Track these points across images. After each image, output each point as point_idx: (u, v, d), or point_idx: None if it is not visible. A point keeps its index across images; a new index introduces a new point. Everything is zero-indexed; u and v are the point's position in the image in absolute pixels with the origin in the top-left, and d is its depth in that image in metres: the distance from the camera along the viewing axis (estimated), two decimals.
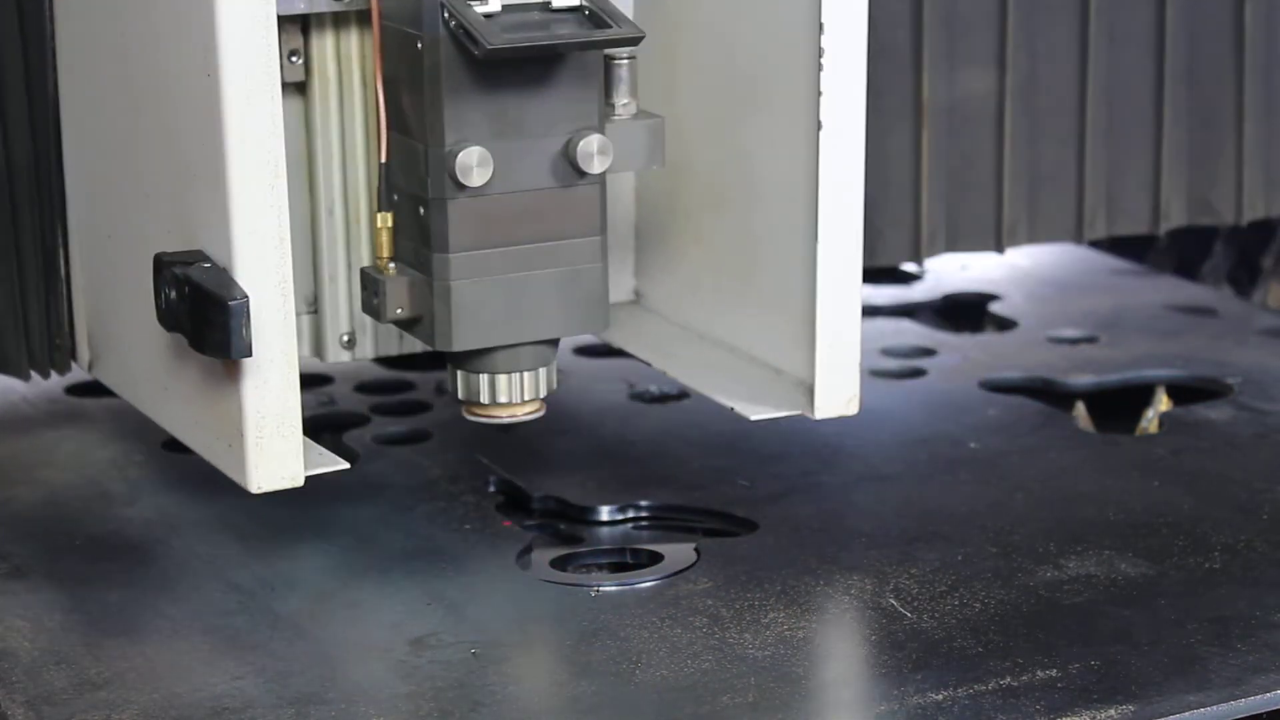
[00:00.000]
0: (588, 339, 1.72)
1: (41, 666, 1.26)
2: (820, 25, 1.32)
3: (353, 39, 1.40)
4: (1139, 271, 2.09)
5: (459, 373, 1.37)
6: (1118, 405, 1.74)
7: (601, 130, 1.33)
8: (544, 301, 1.34)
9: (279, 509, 1.49)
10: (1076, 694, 1.22)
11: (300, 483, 1.28)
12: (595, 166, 1.32)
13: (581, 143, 1.32)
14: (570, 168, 1.32)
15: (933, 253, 1.76)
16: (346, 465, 1.31)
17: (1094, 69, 1.79)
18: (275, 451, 1.26)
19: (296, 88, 1.40)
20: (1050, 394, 1.74)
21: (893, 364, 1.79)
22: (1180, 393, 1.74)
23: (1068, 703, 1.21)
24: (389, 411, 1.67)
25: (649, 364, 1.49)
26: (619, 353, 1.53)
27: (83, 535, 1.44)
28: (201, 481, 1.53)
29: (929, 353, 1.82)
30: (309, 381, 1.73)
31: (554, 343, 1.37)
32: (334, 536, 1.45)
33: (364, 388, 1.72)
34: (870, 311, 1.93)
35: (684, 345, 1.50)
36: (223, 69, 1.20)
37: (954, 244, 1.77)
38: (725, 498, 1.50)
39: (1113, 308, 1.93)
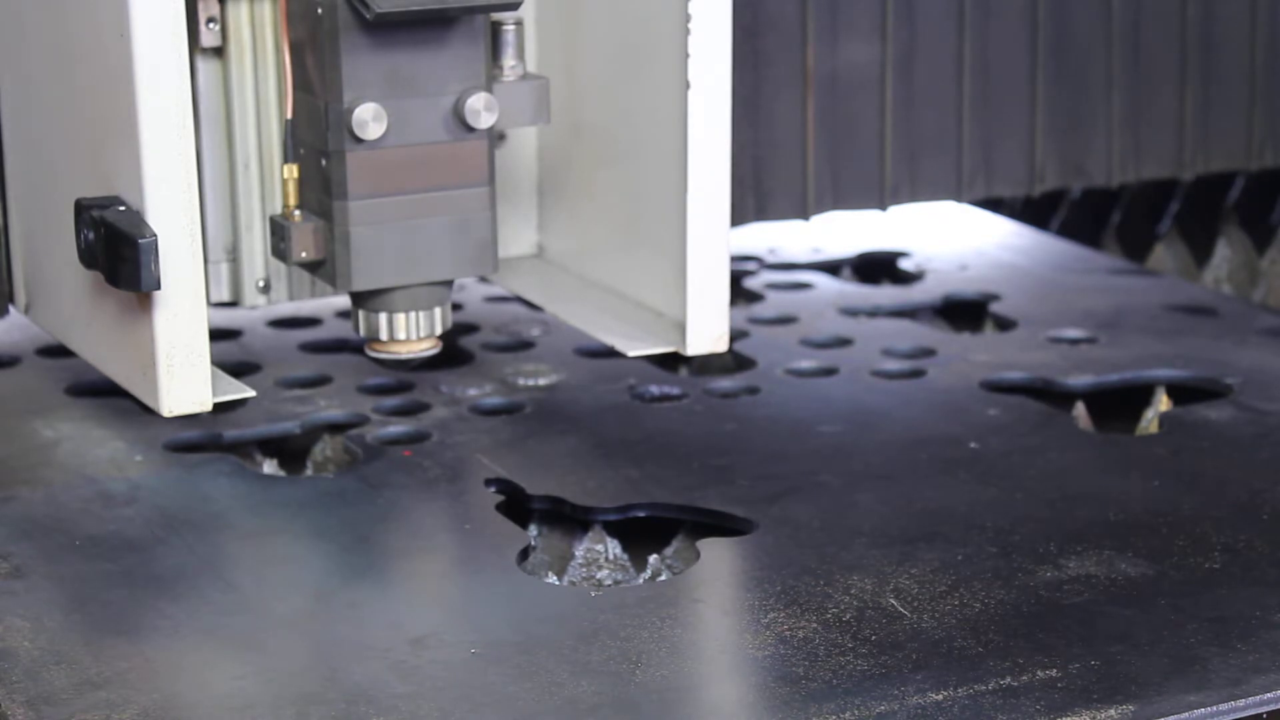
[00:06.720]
0: (591, 343, 1.71)
1: (41, 666, 1.26)
2: None
3: (265, 7, 1.52)
4: (1139, 271, 2.09)
5: (360, 312, 1.48)
6: (1118, 405, 1.74)
7: (489, 89, 1.44)
8: (436, 246, 1.46)
9: (278, 509, 1.49)
10: (1076, 694, 1.22)
11: (209, 407, 1.38)
12: (482, 122, 1.44)
13: (470, 99, 1.43)
14: (459, 123, 1.44)
15: (820, 210, 1.89)
16: (252, 393, 1.42)
17: (970, 40, 1.90)
18: (185, 378, 1.37)
19: (215, 52, 1.53)
20: (1050, 394, 1.73)
21: (893, 364, 1.79)
22: (1180, 393, 1.74)
23: (1068, 703, 1.21)
24: (389, 411, 1.67)
25: (544, 309, 1.61)
26: (617, 354, 1.55)
27: (83, 535, 1.44)
28: (201, 481, 1.53)
29: (929, 353, 1.82)
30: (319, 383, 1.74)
31: (448, 284, 1.48)
32: (334, 536, 1.45)
33: (364, 388, 1.72)
34: (871, 312, 1.93)
35: (578, 293, 1.61)
36: (134, 32, 1.31)
37: (840, 203, 1.91)
38: (725, 498, 1.50)
39: (1113, 308, 1.93)
